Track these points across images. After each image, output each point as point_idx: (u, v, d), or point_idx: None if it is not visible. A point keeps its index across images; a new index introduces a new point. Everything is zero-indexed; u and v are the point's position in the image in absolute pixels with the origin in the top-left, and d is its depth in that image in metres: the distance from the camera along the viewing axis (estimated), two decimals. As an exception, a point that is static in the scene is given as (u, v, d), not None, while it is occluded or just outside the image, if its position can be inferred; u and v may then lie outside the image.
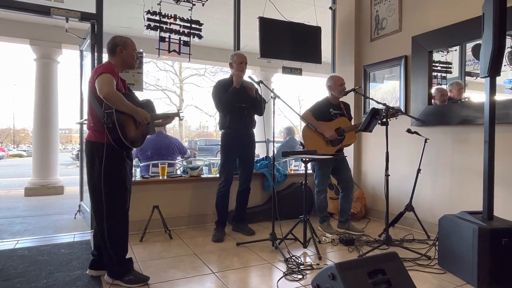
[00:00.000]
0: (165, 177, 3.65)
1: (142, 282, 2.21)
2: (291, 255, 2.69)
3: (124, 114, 2.13)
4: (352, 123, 3.59)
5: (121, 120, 2.11)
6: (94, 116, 2.19)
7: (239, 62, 3.24)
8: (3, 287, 2.18)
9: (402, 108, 3.68)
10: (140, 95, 3.24)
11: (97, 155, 2.14)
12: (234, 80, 3.20)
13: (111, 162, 2.15)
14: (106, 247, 2.18)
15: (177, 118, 2.67)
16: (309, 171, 3.46)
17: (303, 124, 3.43)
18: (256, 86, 3.20)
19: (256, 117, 3.45)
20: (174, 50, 3.72)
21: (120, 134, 2.09)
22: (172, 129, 23.38)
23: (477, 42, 2.97)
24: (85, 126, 3.99)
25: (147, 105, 2.37)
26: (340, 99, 3.54)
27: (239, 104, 3.24)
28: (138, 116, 2.20)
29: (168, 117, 2.60)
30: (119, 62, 2.28)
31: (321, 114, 3.42)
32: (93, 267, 2.34)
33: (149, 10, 3.57)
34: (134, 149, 2.83)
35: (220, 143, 3.45)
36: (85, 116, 3.89)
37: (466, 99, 3.19)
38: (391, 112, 2.98)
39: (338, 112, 3.50)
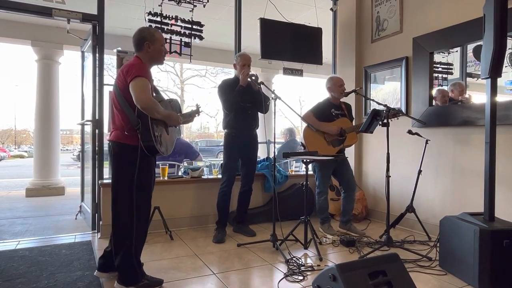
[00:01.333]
0: (166, 178, 3.66)
1: (157, 285, 2.16)
2: (292, 256, 2.69)
3: (157, 120, 2.03)
4: (353, 124, 3.59)
5: (155, 127, 2.01)
6: (125, 120, 2.05)
7: (242, 64, 3.23)
8: (5, 287, 2.18)
9: (403, 109, 3.67)
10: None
11: (127, 158, 2.03)
12: (240, 78, 3.19)
13: (143, 166, 2.05)
14: (127, 254, 2.07)
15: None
16: (310, 172, 3.46)
17: (304, 125, 3.43)
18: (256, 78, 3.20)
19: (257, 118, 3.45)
20: (175, 51, 3.73)
21: (154, 141, 1.98)
22: (173, 130, 23.27)
23: (478, 43, 2.97)
24: (87, 127, 4.03)
25: (174, 106, 2.26)
26: (341, 100, 3.54)
27: (243, 104, 3.24)
28: (171, 121, 2.11)
29: (190, 116, 2.47)
30: (146, 58, 2.11)
31: (323, 115, 3.42)
32: (103, 270, 2.26)
33: (150, 11, 3.58)
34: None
35: (222, 143, 3.45)
36: (87, 117, 3.90)
37: (467, 96, 3.19)
38: (392, 113, 2.99)
39: (340, 112, 3.50)
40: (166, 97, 2.30)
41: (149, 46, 2.10)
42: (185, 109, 2.85)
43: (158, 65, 2.27)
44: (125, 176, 2.04)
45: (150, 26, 3.56)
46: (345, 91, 3.44)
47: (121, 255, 2.09)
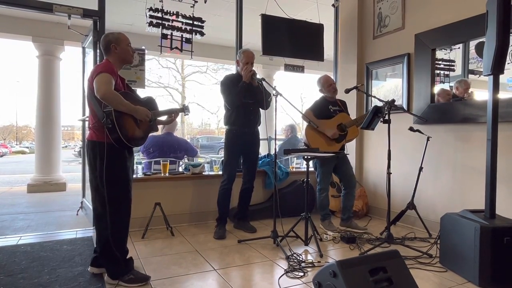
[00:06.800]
0: (167, 174, 3.66)
1: (142, 281, 2.18)
2: (292, 252, 2.69)
3: (124, 113, 2.11)
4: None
5: (120, 119, 2.08)
6: (94, 116, 2.17)
7: (245, 62, 3.21)
8: (7, 282, 2.19)
9: (405, 106, 3.66)
10: (142, 92, 3.23)
11: (99, 155, 2.12)
12: (243, 75, 3.16)
13: (113, 162, 2.12)
14: (107, 248, 2.16)
15: (182, 113, 2.63)
16: (311, 169, 3.46)
17: (305, 123, 3.43)
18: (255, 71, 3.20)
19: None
20: (176, 47, 3.72)
21: (119, 133, 2.07)
22: (174, 126, 23.30)
23: (481, 40, 2.95)
24: (87, 124, 4.04)
25: (148, 103, 2.34)
26: (337, 97, 3.55)
27: (245, 100, 3.23)
28: (138, 115, 2.18)
29: (172, 113, 2.54)
30: (116, 59, 2.25)
31: (321, 112, 3.42)
32: (95, 265, 2.33)
33: (151, 7, 3.57)
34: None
35: (223, 140, 3.44)
36: (87, 114, 3.90)
37: (471, 92, 3.18)
38: (393, 105, 2.99)
39: (337, 108, 3.51)
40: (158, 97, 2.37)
41: (116, 47, 2.23)
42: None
43: (128, 64, 2.41)
44: (98, 172, 2.13)
45: (151, 21, 3.56)
46: (336, 89, 3.46)
47: (103, 250, 2.19)
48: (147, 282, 2.20)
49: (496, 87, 2.29)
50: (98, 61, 3.45)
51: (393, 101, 3.02)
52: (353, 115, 4.14)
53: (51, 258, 2.63)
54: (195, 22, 3.78)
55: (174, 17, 3.68)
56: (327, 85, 3.47)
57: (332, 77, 3.91)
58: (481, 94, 3.07)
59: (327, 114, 3.43)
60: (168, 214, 3.39)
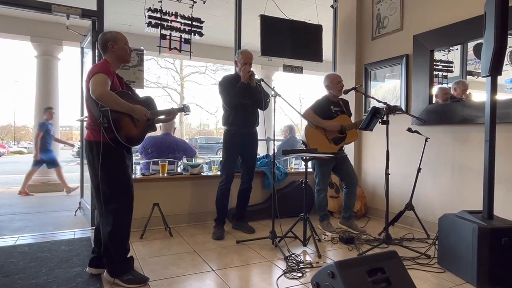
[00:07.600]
0: (166, 175, 3.66)
1: (141, 283, 2.18)
2: (291, 253, 2.69)
3: (121, 112, 2.10)
4: (352, 120, 3.60)
5: (117, 119, 2.08)
6: (91, 116, 2.18)
7: (244, 63, 3.20)
8: (4, 283, 2.19)
9: (403, 107, 3.67)
10: (141, 93, 3.22)
11: (96, 155, 2.11)
12: (242, 75, 3.16)
13: (111, 161, 2.12)
14: (107, 246, 2.16)
15: (182, 113, 2.63)
16: (310, 170, 3.46)
17: (304, 123, 3.43)
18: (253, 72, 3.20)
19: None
20: (175, 48, 3.72)
21: (116, 133, 2.06)
22: (172, 127, 23.29)
23: (479, 41, 2.96)
24: (85, 124, 4.04)
25: (147, 102, 2.33)
26: (340, 97, 3.55)
27: (244, 101, 3.23)
28: (136, 114, 2.17)
29: (171, 113, 2.53)
30: (113, 58, 2.24)
31: (322, 112, 3.42)
32: (93, 265, 2.32)
33: (150, 8, 3.57)
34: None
35: (222, 141, 3.44)
36: (86, 114, 3.90)
37: (469, 94, 3.19)
38: (392, 109, 3.01)
39: (339, 109, 3.51)
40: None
41: (113, 46, 2.23)
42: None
43: (125, 63, 2.41)
44: (97, 171, 2.13)
45: (150, 22, 3.56)
46: (343, 87, 3.45)
47: (104, 247, 2.19)
48: (146, 283, 2.19)
49: (494, 88, 2.29)
50: (96, 61, 3.44)
51: (394, 107, 3.05)
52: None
53: (49, 258, 2.62)
54: (194, 23, 3.78)
55: (173, 18, 3.68)
56: (336, 82, 3.45)
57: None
58: (479, 95, 3.08)
59: (328, 115, 3.43)
60: (166, 214, 3.38)
